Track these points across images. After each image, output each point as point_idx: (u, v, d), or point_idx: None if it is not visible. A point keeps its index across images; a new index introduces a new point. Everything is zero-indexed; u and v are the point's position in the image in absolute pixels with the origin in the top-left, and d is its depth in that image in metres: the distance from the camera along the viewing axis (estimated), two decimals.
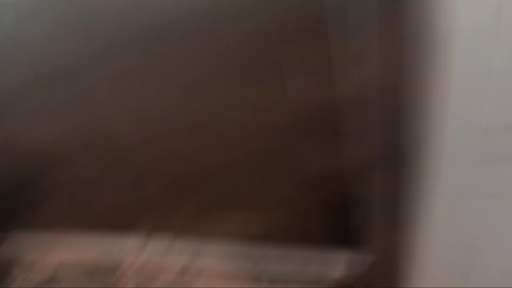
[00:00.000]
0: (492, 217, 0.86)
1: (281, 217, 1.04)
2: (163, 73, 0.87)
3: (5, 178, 1.14)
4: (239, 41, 0.80)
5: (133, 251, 1.18)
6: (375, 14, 0.66)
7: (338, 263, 1.03)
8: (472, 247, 0.88)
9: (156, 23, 0.81)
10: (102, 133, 0.99)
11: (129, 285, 1.14)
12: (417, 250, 0.83)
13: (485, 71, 0.75)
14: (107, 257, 1.19)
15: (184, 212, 1.11)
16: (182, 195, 1.07)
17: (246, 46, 0.81)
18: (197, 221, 1.12)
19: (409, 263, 0.80)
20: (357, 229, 0.94)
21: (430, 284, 0.88)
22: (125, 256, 1.19)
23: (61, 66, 0.91)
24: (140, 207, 1.14)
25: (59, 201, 1.18)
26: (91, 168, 1.07)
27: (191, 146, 0.97)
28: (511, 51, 0.73)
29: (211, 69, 0.85)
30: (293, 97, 0.84)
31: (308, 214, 1.02)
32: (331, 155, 0.89)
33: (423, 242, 0.85)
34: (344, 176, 0.91)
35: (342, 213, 0.98)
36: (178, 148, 0.98)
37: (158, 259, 1.17)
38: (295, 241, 1.07)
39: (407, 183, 0.76)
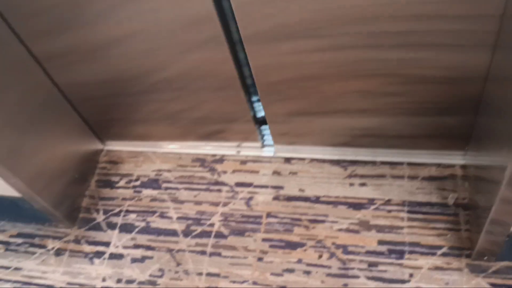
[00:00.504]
0: None
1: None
2: None
3: (102, 85, 1.19)
4: None
5: (227, 158, 1.30)
6: None
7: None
8: None
9: None
10: None
11: (226, 188, 1.25)
12: None
13: None
14: (202, 164, 1.30)
15: (277, 118, 1.19)
16: (276, 101, 1.13)
17: None
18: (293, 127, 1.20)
19: None
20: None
21: None
22: (219, 163, 1.30)
23: None
24: (233, 117, 1.22)
25: (155, 111, 1.25)
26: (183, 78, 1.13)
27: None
28: None
29: None
30: None
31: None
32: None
33: None
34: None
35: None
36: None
37: (252, 164, 1.27)
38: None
39: None
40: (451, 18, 0.87)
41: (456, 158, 1.16)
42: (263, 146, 1.29)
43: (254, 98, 1.23)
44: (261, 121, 1.28)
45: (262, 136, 1.29)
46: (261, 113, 1.27)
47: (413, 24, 0.90)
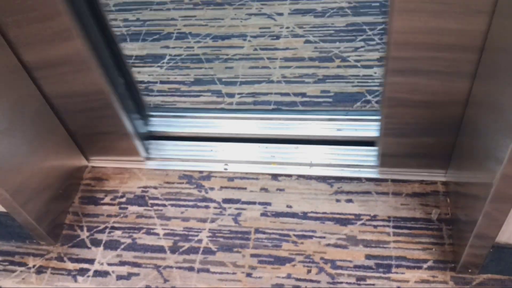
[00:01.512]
0: None
1: None
2: None
3: (91, 97, 1.18)
4: None
5: (214, 175, 1.31)
6: None
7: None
8: None
9: None
10: None
11: (214, 205, 1.24)
12: None
13: None
14: (189, 181, 1.30)
15: None
16: None
17: None
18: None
19: None
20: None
21: None
22: (206, 180, 1.30)
23: None
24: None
25: None
26: None
27: None
28: None
29: None
30: None
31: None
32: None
33: None
34: None
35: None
36: None
37: (239, 181, 1.28)
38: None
39: None
40: (435, 47, 0.93)
41: (437, 175, 1.21)
42: (147, 159, 1.34)
43: (136, 116, 1.30)
44: (147, 137, 1.36)
45: (147, 150, 1.35)
46: (146, 129, 1.36)
47: (399, 51, 0.95)
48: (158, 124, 1.41)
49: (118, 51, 1.20)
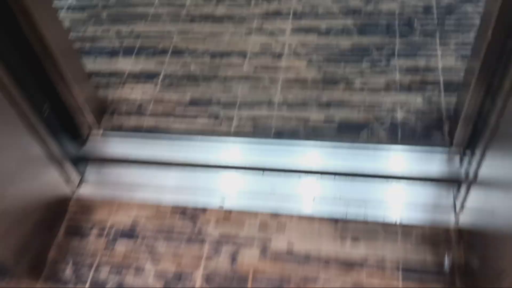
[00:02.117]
0: None
1: None
2: None
3: None
4: None
5: (210, 208, 1.22)
6: None
7: None
8: None
9: None
10: None
11: (209, 241, 1.16)
12: None
13: None
14: (184, 213, 1.22)
15: None
16: None
17: None
18: None
19: None
20: None
21: None
22: (201, 213, 1.21)
23: None
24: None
25: None
26: None
27: None
28: None
29: None
30: None
31: None
32: None
33: None
34: None
35: None
36: None
37: (236, 215, 1.19)
38: None
39: None
40: None
41: (449, 216, 1.13)
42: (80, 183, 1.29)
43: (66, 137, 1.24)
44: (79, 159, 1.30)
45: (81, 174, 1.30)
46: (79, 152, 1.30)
47: None
48: (150, 147, 1.32)
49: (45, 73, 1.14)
